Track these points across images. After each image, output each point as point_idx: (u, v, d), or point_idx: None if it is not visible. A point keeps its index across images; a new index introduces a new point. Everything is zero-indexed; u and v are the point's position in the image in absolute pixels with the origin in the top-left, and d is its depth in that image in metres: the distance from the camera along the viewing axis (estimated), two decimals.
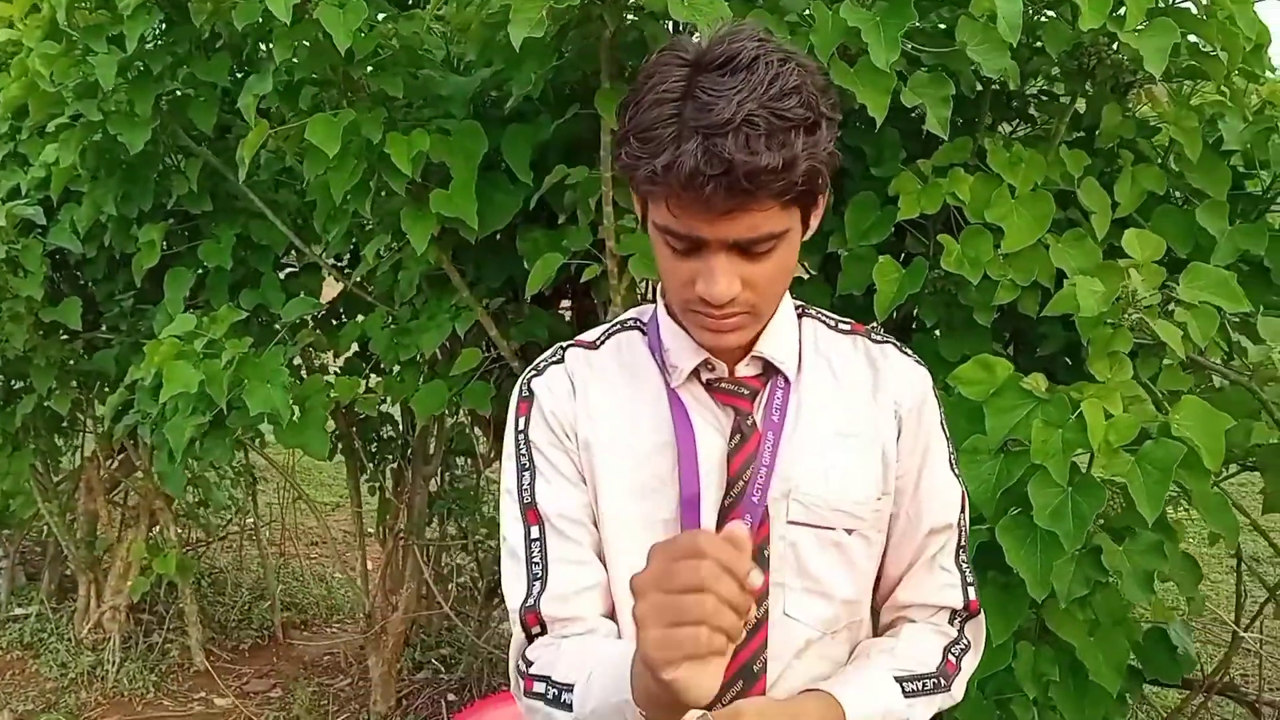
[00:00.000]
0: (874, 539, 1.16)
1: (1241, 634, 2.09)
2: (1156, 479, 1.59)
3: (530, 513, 1.11)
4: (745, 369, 1.13)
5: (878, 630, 1.23)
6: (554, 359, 1.18)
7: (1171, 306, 1.76)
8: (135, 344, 3.01)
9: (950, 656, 1.17)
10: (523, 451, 1.13)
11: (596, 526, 1.12)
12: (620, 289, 2.17)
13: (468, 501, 3.58)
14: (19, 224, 2.80)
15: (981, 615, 1.23)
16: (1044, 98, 2.35)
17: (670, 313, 1.15)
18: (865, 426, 1.14)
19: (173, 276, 2.73)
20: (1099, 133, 2.06)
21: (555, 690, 1.04)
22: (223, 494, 4.10)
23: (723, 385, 1.12)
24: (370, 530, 3.50)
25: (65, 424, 3.80)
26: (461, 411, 3.59)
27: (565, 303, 2.84)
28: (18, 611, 3.98)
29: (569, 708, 1.02)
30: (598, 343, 1.19)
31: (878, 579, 1.21)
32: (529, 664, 1.08)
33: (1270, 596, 2.12)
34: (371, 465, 3.32)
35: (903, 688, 1.11)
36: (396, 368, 2.85)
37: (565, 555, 1.10)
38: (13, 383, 3.44)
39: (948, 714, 2.00)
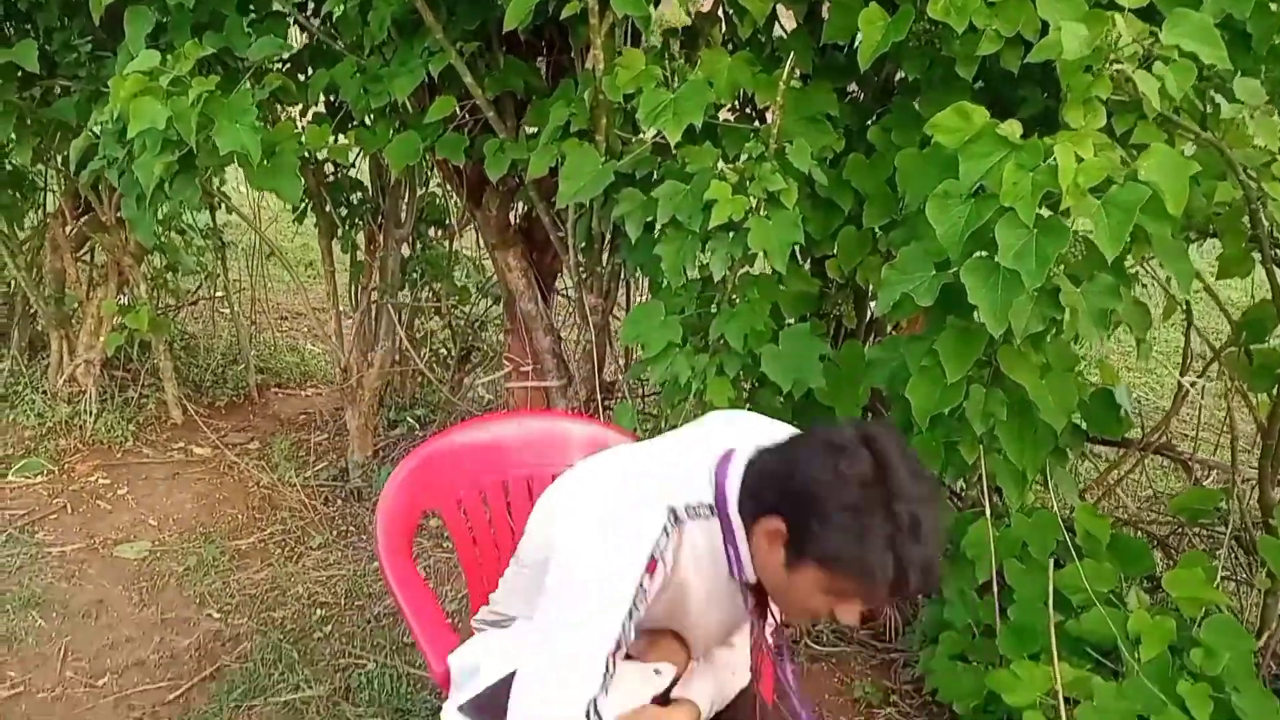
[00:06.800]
0: None
1: (1186, 385, 2.19)
2: (1120, 219, 1.63)
3: (620, 640, 1.35)
4: None
5: None
6: (670, 531, 1.38)
7: (1152, 62, 1.76)
8: (96, 92, 2.92)
9: None
10: (639, 601, 1.35)
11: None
12: (600, 30, 2.12)
13: (439, 269, 3.60)
14: None
15: None
16: None
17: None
18: None
19: (133, 15, 2.61)
20: None
21: None
22: (191, 258, 4.07)
23: None
24: (343, 293, 3.52)
25: (28, 179, 3.73)
26: (433, 181, 3.56)
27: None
28: None
29: None
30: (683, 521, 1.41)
31: None
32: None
33: (1215, 356, 2.22)
34: (343, 227, 3.31)
35: None
36: (369, 118, 2.81)
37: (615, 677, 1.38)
38: None
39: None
